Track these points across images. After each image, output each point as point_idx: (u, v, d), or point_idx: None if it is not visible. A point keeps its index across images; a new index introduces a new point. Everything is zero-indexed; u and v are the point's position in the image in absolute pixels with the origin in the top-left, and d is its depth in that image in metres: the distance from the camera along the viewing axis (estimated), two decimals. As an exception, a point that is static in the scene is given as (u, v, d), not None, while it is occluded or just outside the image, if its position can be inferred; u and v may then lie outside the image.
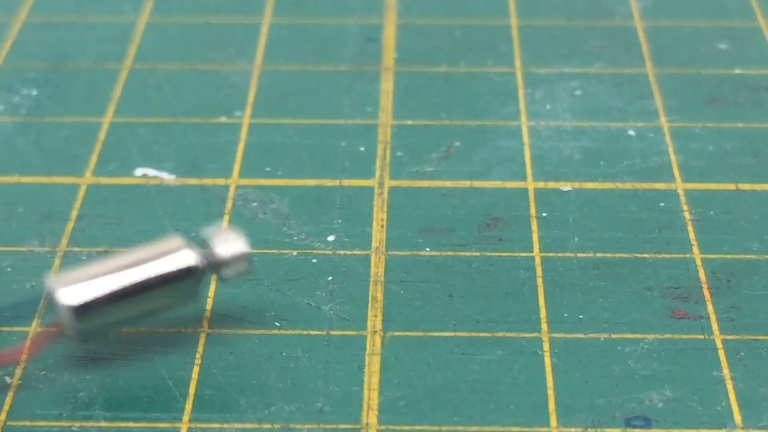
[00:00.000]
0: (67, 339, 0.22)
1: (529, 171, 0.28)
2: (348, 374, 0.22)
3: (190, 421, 0.21)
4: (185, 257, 0.23)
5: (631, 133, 0.29)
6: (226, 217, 0.27)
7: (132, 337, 0.23)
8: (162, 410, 0.21)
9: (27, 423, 0.21)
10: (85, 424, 0.21)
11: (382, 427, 0.21)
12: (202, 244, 0.23)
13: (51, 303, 0.22)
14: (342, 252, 0.26)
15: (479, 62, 0.33)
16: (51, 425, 0.21)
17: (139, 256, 0.23)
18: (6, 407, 0.21)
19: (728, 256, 0.25)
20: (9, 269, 0.25)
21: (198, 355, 0.23)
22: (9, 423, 0.21)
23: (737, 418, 0.21)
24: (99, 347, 0.23)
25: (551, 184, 0.27)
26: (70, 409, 0.21)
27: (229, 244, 0.23)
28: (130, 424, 0.21)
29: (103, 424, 0.21)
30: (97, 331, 0.23)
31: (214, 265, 0.23)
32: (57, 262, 0.25)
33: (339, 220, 0.27)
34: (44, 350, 0.22)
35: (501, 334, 0.23)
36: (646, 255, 0.25)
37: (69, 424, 0.21)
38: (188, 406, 0.21)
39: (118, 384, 0.22)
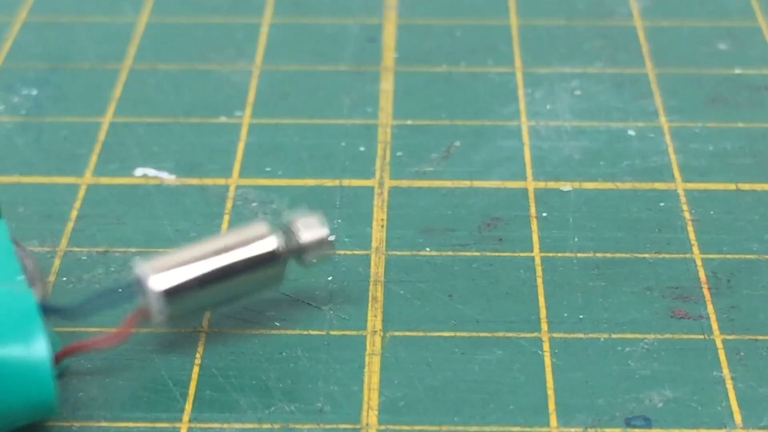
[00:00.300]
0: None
1: (529, 171, 0.28)
2: (348, 374, 0.22)
3: (190, 421, 0.21)
4: (269, 243, 0.23)
5: (631, 133, 0.29)
6: (226, 217, 0.27)
7: (132, 337, 0.23)
8: (162, 410, 0.21)
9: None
10: (85, 424, 0.21)
11: (383, 427, 0.21)
12: (285, 230, 0.24)
13: (140, 288, 0.22)
14: (342, 252, 0.26)
15: (479, 62, 0.33)
16: (51, 425, 0.21)
17: (225, 243, 0.24)
18: None
19: (728, 256, 0.25)
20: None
21: (198, 355, 0.23)
22: None
23: (737, 418, 0.21)
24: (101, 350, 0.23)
25: (551, 184, 0.28)
26: (70, 409, 0.21)
27: (312, 230, 0.24)
28: (130, 424, 0.21)
29: (103, 424, 0.21)
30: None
31: (297, 251, 0.23)
32: (57, 261, 0.25)
33: (339, 220, 0.27)
34: (132, 334, 0.22)
35: (501, 334, 0.23)
36: (646, 255, 0.25)
37: (69, 424, 0.21)
38: (188, 406, 0.21)
39: (118, 384, 0.22)
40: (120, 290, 0.24)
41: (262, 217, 0.27)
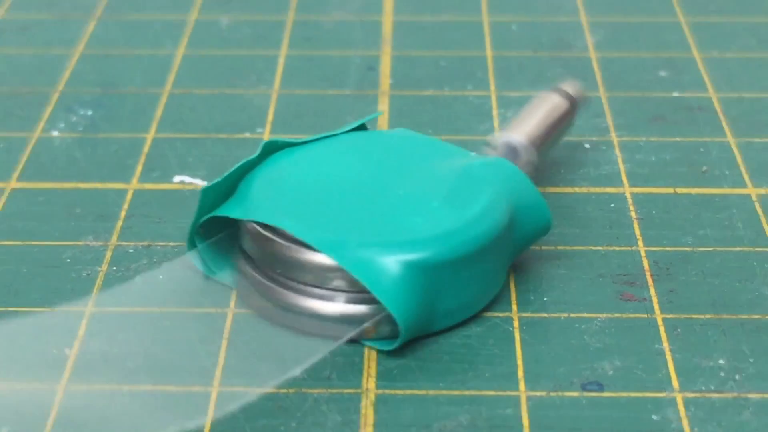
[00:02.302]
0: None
1: (502, 178, 0.28)
2: (350, 347, 0.22)
3: (219, 385, 0.21)
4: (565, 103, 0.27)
5: (587, 146, 0.29)
6: None
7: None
8: (196, 376, 0.21)
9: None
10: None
11: (380, 391, 0.21)
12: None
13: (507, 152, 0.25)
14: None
15: (460, 87, 0.33)
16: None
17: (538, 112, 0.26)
18: None
19: (667, 248, 0.25)
20: (68, 260, 0.25)
21: (226, 332, 0.22)
22: None
23: (675, 383, 0.21)
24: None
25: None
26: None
27: (574, 87, 0.28)
28: (168, 387, 0.21)
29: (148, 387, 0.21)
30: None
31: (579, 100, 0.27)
32: (108, 254, 0.25)
33: None
34: None
35: (478, 314, 0.23)
36: (599, 247, 0.25)
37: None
38: (218, 373, 0.21)
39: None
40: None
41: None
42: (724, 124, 0.30)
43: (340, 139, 0.24)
